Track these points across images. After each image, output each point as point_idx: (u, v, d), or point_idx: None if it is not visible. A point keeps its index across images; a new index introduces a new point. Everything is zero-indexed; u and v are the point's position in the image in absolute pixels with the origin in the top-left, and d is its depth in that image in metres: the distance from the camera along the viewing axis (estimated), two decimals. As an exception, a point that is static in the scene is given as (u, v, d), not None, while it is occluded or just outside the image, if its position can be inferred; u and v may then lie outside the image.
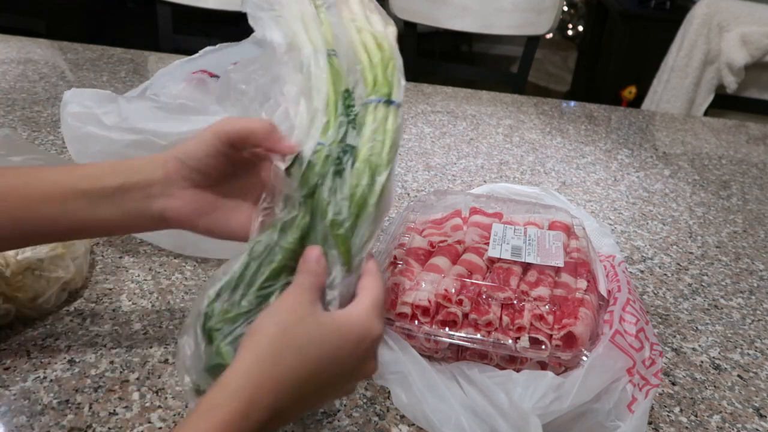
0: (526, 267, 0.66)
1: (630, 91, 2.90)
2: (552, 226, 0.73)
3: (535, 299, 0.61)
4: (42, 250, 0.66)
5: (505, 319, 0.60)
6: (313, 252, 0.47)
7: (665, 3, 2.96)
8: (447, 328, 0.60)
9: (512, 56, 4.53)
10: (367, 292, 0.47)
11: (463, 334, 0.60)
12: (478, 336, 0.60)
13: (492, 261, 0.67)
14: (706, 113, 2.07)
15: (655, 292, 0.82)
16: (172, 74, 0.85)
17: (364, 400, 0.61)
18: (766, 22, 1.96)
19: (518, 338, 0.59)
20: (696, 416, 0.62)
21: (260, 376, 0.40)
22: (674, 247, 0.93)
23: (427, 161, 1.13)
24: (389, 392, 0.60)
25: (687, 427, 0.61)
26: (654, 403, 0.63)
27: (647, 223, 0.99)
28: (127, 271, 0.76)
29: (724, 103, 2.09)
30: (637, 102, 2.74)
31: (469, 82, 1.73)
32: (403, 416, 0.59)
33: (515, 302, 0.61)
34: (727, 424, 0.62)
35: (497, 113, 1.38)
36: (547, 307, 0.60)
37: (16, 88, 1.28)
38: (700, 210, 1.04)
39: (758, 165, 1.25)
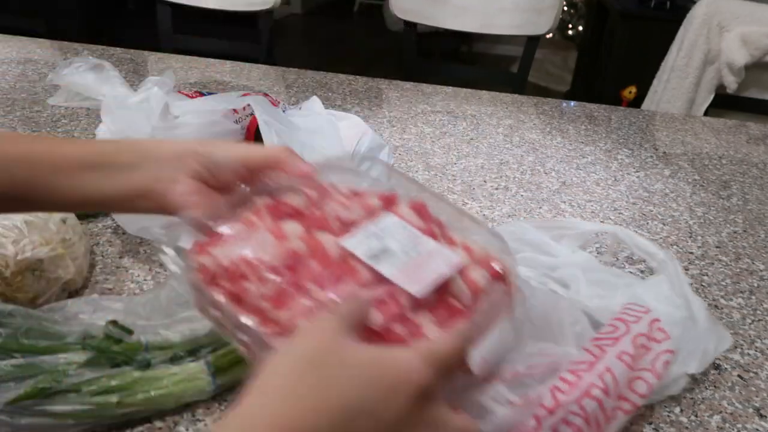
0: (380, 279, 0.44)
1: (630, 91, 2.90)
2: (482, 263, 0.48)
3: None
4: (42, 250, 0.66)
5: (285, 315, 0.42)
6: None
7: (665, 3, 2.95)
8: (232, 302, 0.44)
9: (512, 56, 4.53)
10: (427, 341, 0.40)
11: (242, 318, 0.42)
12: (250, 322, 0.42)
13: (344, 251, 0.46)
14: (706, 113, 2.07)
15: (655, 292, 0.82)
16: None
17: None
18: (766, 22, 1.96)
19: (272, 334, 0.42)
20: (696, 416, 0.62)
21: (271, 419, 0.33)
22: (674, 247, 0.93)
23: (427, 161, 1.13)
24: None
25: (687, 427, 0.61)
26: (654, 403, 0.63)
27: (647, 223, 0.99)
28: (127, 271, 0.76)
29: (724, 103, 2.09)
30: (637, 102, 2.74)
31: (469, 82, 1.72)
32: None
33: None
34: (727, 424, 0.62)
35: (497, 113, 1.38)
36: None
37: (16, 88, 1.28)
38: (700, 210, 1.04)
39: (758, 165, 1.25)
